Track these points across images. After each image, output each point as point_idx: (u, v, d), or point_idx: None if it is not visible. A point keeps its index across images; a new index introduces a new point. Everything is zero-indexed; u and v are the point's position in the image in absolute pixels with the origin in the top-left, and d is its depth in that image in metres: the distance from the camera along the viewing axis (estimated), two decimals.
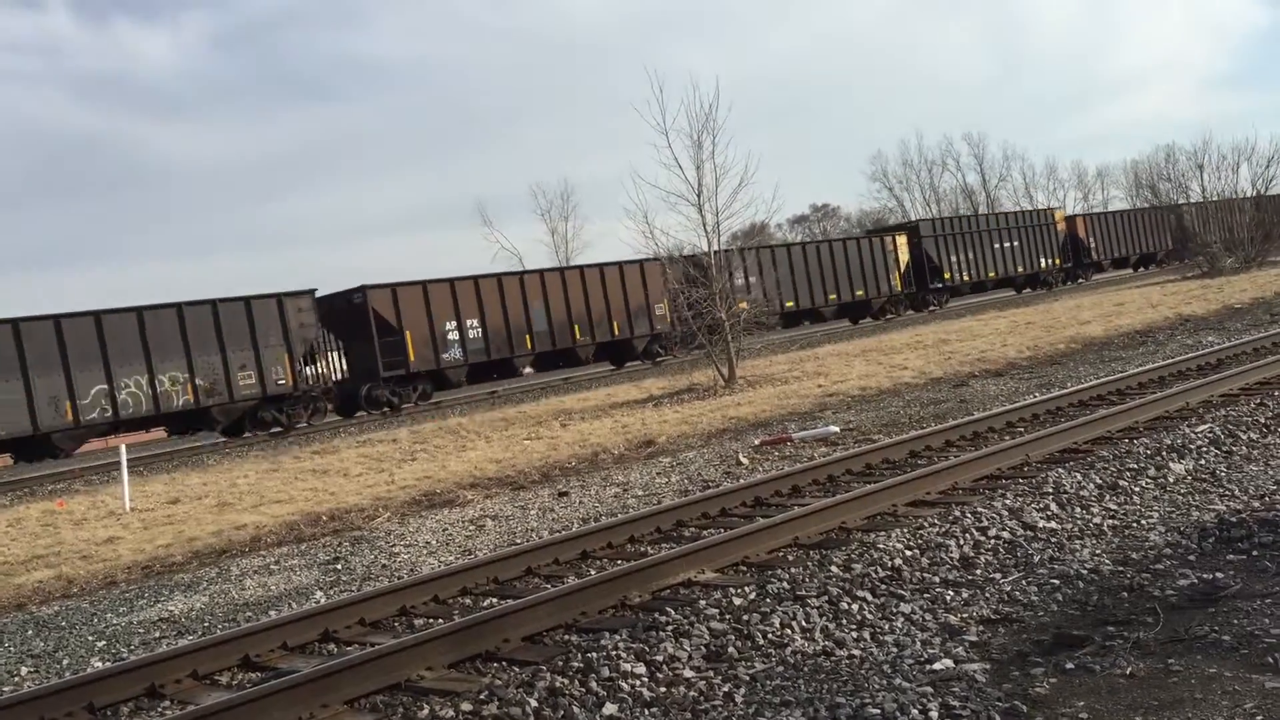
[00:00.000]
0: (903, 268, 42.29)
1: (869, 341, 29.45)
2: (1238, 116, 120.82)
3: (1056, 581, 6.06)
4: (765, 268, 36.73)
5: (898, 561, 6.73)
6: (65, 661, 7.42)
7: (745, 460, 12.12)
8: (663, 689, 5.12)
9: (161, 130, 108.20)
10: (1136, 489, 8.03)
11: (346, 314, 29.04)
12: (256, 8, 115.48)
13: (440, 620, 6.84)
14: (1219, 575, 5.81)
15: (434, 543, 9.85)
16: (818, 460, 10.76)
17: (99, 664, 7.12)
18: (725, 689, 5.00)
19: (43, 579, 10.63)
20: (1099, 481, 8.28)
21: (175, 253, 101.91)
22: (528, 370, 34.46)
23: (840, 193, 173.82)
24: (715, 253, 22.94)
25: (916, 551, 6.94)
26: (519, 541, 9.22)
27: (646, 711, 4.84)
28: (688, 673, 5.29)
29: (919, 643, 5.33)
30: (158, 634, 7.84)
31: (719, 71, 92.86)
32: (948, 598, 6.01)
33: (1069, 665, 4.79)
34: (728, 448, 13.40)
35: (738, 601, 6.31)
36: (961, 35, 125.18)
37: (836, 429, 13.36)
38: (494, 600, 7.28)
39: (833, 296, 39.40)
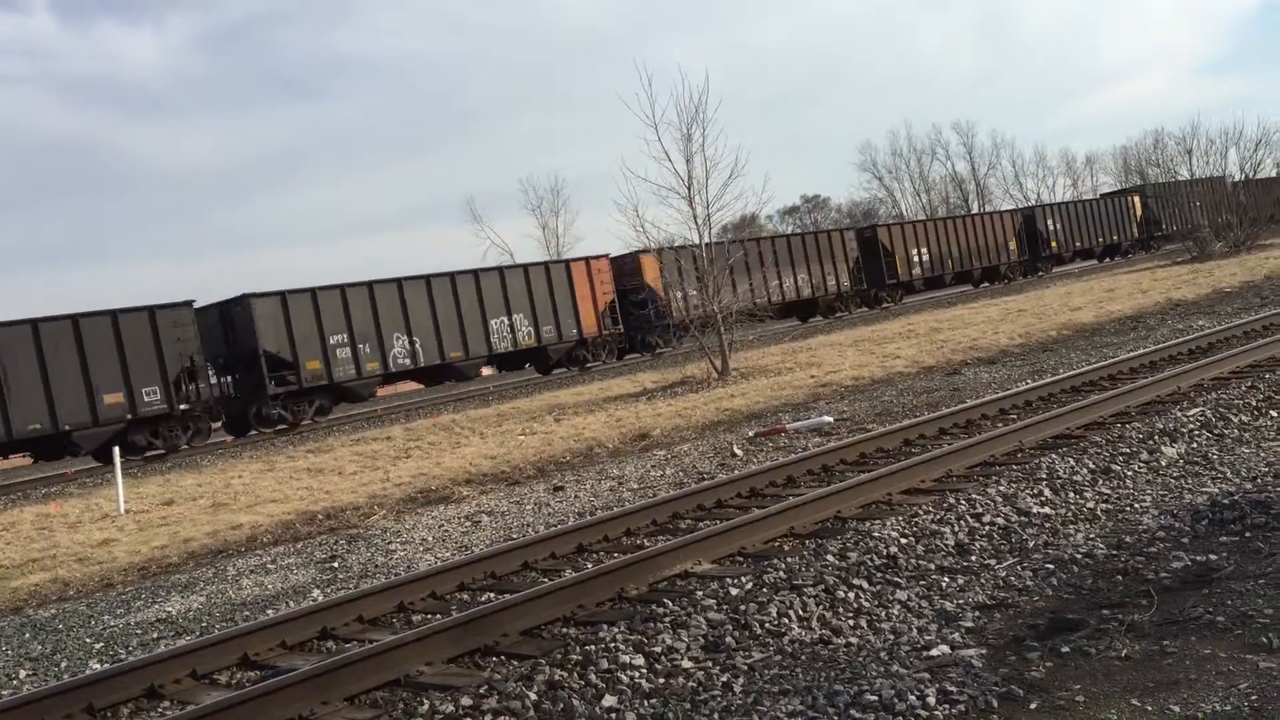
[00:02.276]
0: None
1: (861, 331, 29.48)
2: (1226, 101, 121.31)
3: (1051, 566, 6.09)
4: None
5: (893, 549, 6.76)
6: (64, 664, 7.42)
7: (740, 452, 12.15)
8: (661, 680, 5.14)
9: (147, 131, 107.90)
10: (1129, 473, 8.07)
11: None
12: (241, 7, 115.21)
13: (438, 616, 6.85)
14: (1212, 557, 5.85)
15: (430, 539, 9.86)
16: (812, 450, 10.79)
17: (97, 666, 7.12)
18: (724, 679, 5.02)
19: (39, 582, 10.62)
20: (1092, 466, 8.32)
21: (161, 254, 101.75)
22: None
23: (830, 184, 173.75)
24: (706, 245, 22.95)
25: (912, 539, 6.96)
26: (515, 537, 9.23)
27: (646, 702, 4.86)
28: (686, 663, 5.31)
29: (915, 629, 5.36)
30: (155, 635, 7.84)
31: (708, 64, 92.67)
32: (944, 584, 6.04)
33: (1065, 649, 4.82)
34: (722, 439, 13.42)
35: (735, 592, 6.34)
36: (950, 26, 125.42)
37: (830, 419, 13.39)
38: (491, 595, 7.30)
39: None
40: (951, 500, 7.80)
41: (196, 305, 25.90)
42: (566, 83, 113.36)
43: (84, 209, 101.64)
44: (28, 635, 8.51)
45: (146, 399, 24.20)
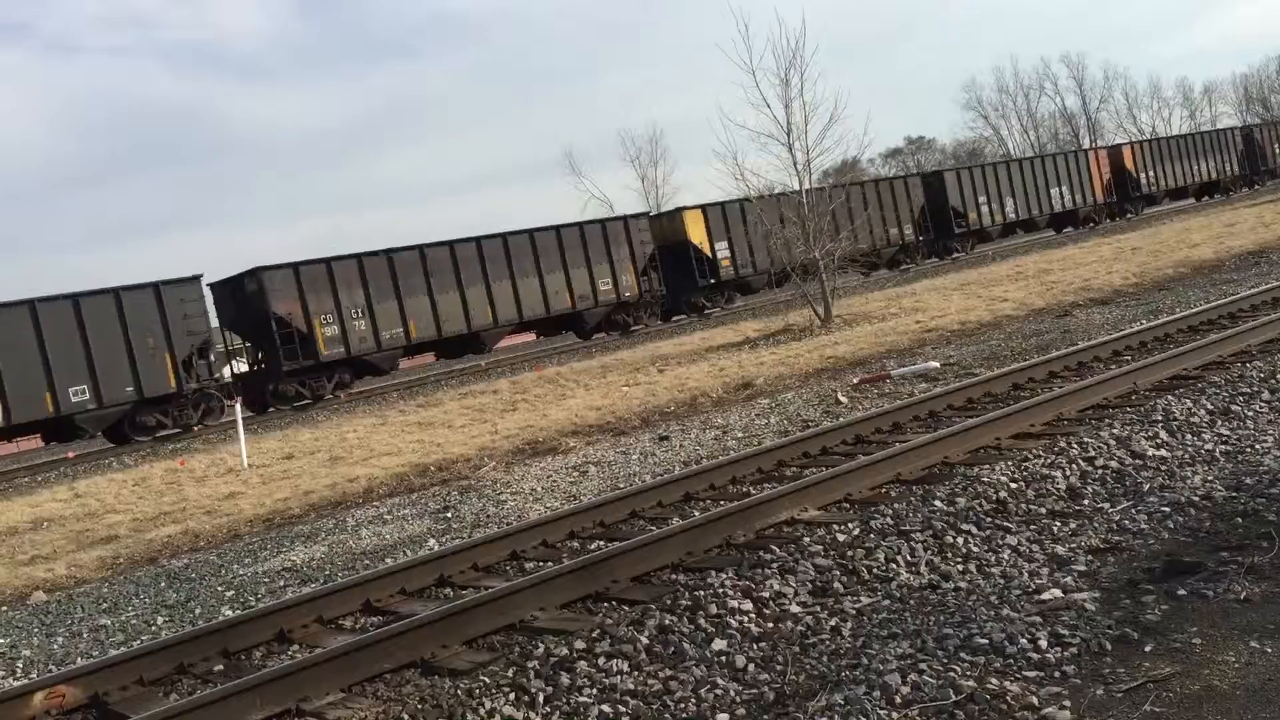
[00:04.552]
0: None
1: (968, 274, 28.91)
2: None
3: (1167, 509, 5.97)
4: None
5: (1002, 494, 6.69)
6: (198, 611, 7.80)
7: (844, 399, 12.09)
8: (770, 624, 5.21)
9: (250, 96, 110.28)
10: (1250, 413, 7.83)
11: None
12: None
13: (550, 563, 7.02)
14: None
15: (539, 489, 10.06)
16: (918, 396, 10.69)
17: (229, 612, 7.48)
18: (832, 623, 5.06)
19: (171, 534, 11.14)
20: (1210, 407, 8.10)
21: (266, 219, 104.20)
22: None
23: (934, 124, 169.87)
24: (808, 191, 22.70)
25: (1022, 484, 6.89)
26: (622, 486, 9.37)
27: (755, 646, 4.94)
28: (794, 608, 5.37)
29: (1026, 574, 5.32)
30: (282, 583, 8.18)
31: (804, 5, 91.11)
32: (1055, 528, 5.97)
33: (1181, 592, 4.75)
34: (826, 387, 13.37)
35: (841, 538, 6.36)
36: None
37: (936, 364, 13.23)
38: (601, 543, 7.44)
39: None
40: (1063, 444, 7.67)
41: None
42: (663, 31, 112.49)
43: (192, 176, 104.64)
44: (163, 584, 8.96)
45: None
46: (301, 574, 8.38)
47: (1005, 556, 5.64)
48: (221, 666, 6.12)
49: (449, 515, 9.62)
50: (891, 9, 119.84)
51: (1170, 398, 8.58)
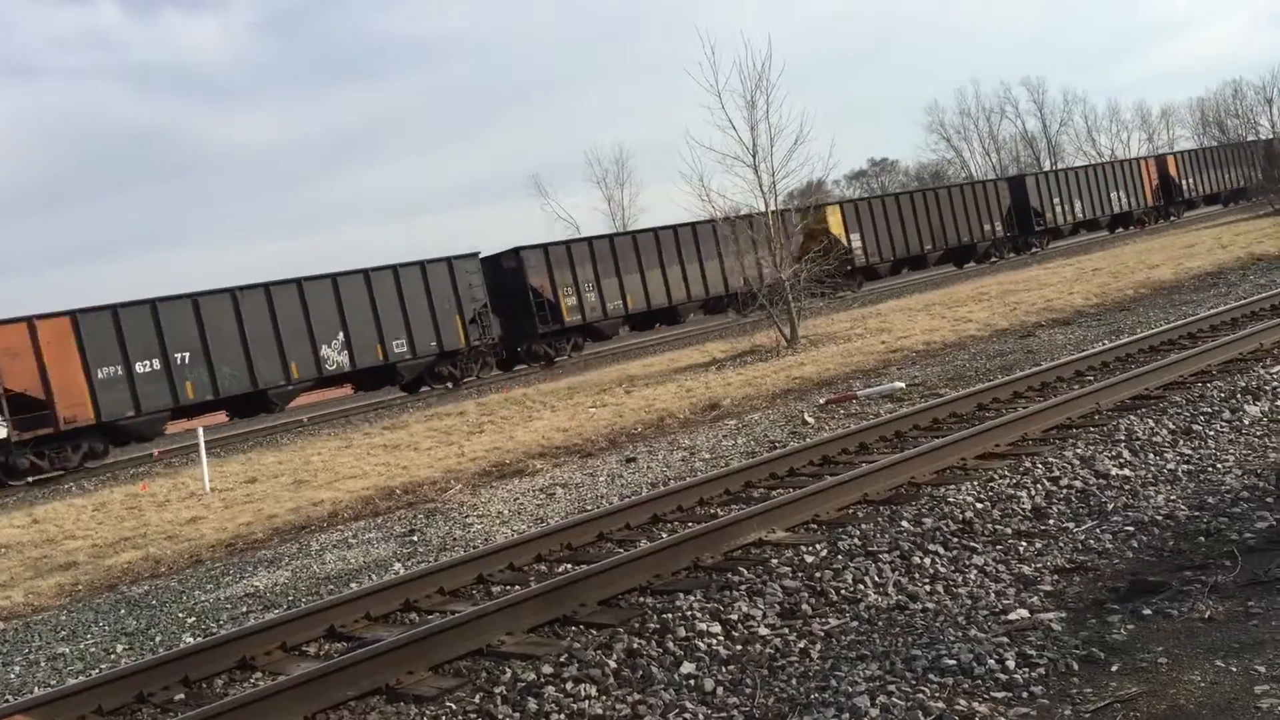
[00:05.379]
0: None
1: (932, 295, 29.14)
2: None
3: (1131, 529, 6.02)
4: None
5: (969, 514, 6.72)
6: (158, 638, 7.68)
7: (811, 420, 12.12)
8: (739, 647, 5.19)
9: (212, 117, 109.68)
10: (1211, 433, 7.92)
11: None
12: None
13: (517, 587, 6.97)
14: None
15: (506, 512, 10.00)
16: (884, 417, 10.73)
17: (191, 639, 7.36)
18: (801, 645, 5.05)
19: (131, 560, 10.97)
20: (1172, 427, 8.18)
21: (229, 239, 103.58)
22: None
23: (897, 146, 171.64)
24: (773, 213, 22.82)
25: (988, 504, 6.92)
26: (590, 508, 9.33)
27: (724, 669, 4.92)
28: (763, 630, 5.35)
29: (993, 594, 5.34)
30: (245, 609, 8.08)
31: (770, 28, 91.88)
32: (1021, 548, 6.00)
33: (1146, 611, 4.78)
34: (793, 408, 13.40)
35: (809, 559, 6.36)
36: None
37: (902, 385, 13.30)
38: (569, 566, 7.40)
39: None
40: (1027, 464, 7.72)
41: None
42: (628, 54, 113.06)
43: (157, 196, 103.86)
44: (123, 611, 8.82)
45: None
46: (264, 599, 8.27)
47: (972, 577, 5.65)
48: (182, 695, 6.03)
49: (415, 539, 9.54)
50: (856, 34, 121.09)
51: (1133, 417, 8.67)
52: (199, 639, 7.25)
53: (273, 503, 12.95)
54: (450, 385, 29.07)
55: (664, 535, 7.70)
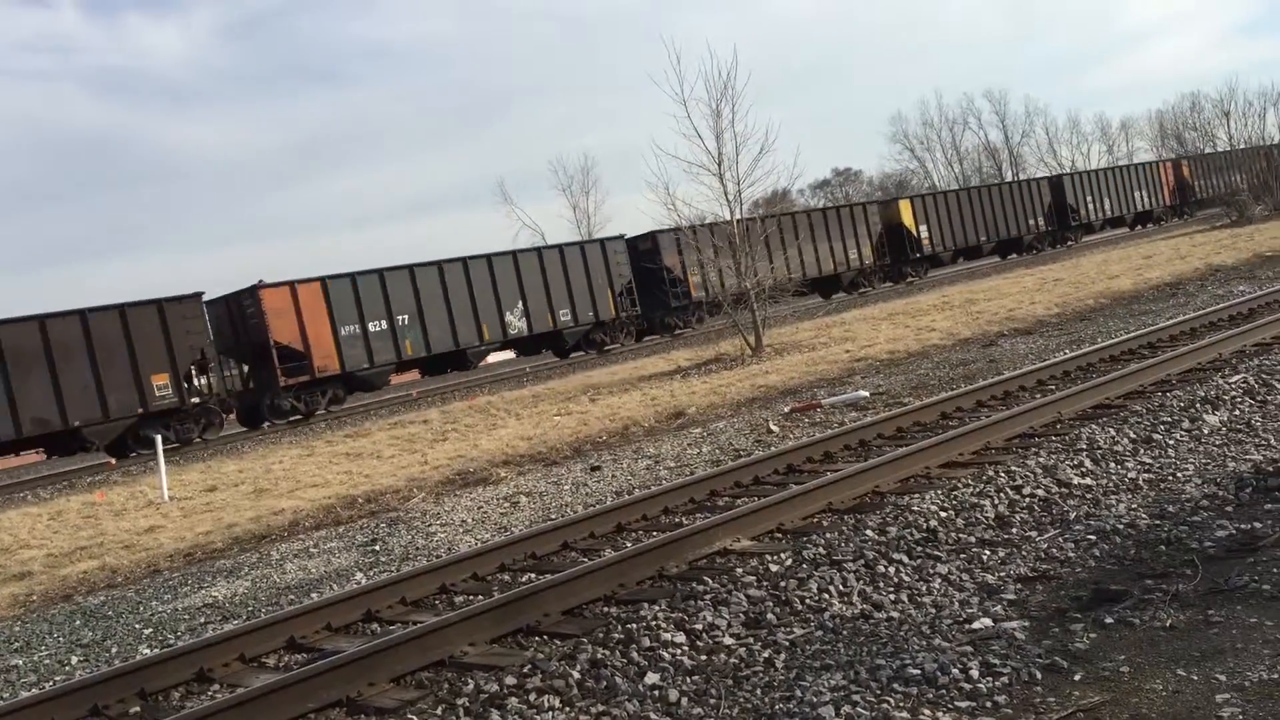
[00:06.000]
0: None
1: (896, 304, 29.32)
2: (1264, 62, 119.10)
3: (1093, 537, 6.05)
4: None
5: (933, 523, 6.74)
6: (114, 650, 7.55)
7: (776, 428, 12.13)
8: (703, 657, 5.17)
9: (175, 123, 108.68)
10: (1171, 442, 7.99)
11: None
12: None
13: (480, 597, 6.91)
14: (1257, 525, 5.79)
15: (470, 521, 9.93)
16: (849, 425, 10.76)
17: (148, 651, 7.24)
18: (765, 655, 5.04)
19: (87, 570, 10.80)
20: (1133, 436, 8.25)
21: (192, 246, 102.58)
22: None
23: (861, 156, 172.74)
24: (738, 221, 22.87)
25: (951, 512, 6.94)
26: (554, 517, 9.28)
27: (688, 679, 4.89)
28: (728, 640, 5.33)
29: (957, 603, 5.35)
30: (203, 620, 7.96)
31: (735, 38, 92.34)
32: (984, 557, 6.02)
33: (1108, 619, 4.80)
34: (758, 416, 13.41)
35: (774, 568, 6.35)
36: None
37: (866, 393, 13.35)
38: (532, 576, 7.35)
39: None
40: (990, 473, 7.76)
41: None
42: (594, 62, 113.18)
43: (114, 203, 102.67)
44: (78, 622, 8.67)
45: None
46: (223, 610, 8.16)
47: (936, 586, 5.66)
48: (138, 709, 5.92)
49: (377, 548, 9.45)
50: (821, 45, 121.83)
51: (1094, 426, 8.73)
52: (156, 650, 7.13)
53: (233, 511, 12.80)
54: (597, 352, 33.14)
55: (628, 544, 7.66)
